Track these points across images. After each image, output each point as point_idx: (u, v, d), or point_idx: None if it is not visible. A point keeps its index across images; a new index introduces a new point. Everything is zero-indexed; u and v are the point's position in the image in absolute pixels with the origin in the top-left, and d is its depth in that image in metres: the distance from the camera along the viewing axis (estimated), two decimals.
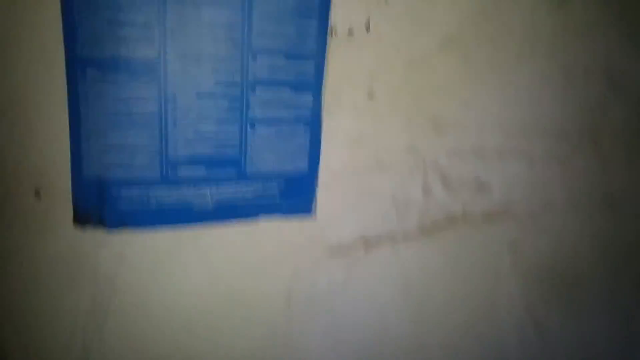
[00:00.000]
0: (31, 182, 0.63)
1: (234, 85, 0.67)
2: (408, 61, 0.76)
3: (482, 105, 0.82)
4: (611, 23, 0.86)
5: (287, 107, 0.71)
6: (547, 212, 0.92)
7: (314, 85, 0.72)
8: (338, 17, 0.70)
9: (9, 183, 0.63)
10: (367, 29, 0.72)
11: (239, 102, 0.68)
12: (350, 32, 0.72)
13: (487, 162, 0.85)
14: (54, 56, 0.60)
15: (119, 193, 0.66)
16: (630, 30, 0.88)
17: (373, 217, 0.82)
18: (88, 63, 0.60)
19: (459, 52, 0.78)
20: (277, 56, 0.69)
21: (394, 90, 0.77)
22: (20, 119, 0.61)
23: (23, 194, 0.63)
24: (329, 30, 0.70)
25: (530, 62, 0.83)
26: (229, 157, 0.70)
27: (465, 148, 0.83)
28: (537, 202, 0.91)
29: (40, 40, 0.59)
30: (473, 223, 0.87)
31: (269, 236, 0.76)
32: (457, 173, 0.84)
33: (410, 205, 0.83)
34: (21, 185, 0.63)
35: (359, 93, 0.75)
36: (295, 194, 0.75)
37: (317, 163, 0.75)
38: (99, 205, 0.66)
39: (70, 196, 0.65)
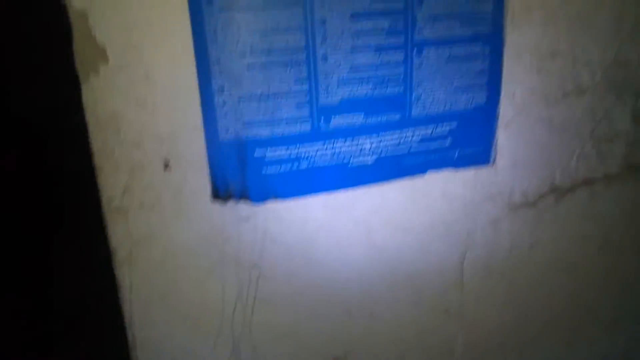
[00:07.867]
0: (158, 151, 0.51)
1: None
2: None
3: None
4: None
5: (461, 21, 0.53)
6: None
7: None
8: None
9: (132, 156, 0.50)
10: None
11: (403, 20, 0.51)
12: None
13: None
14: None
15: (263, 155, 0.52)
16: None
17: (567, 159, 0.63)
18: None
19: None
20: None
21: None
22: (139, 74, 0.48)
23: (150, 167, 0.51)
24: None
25: None
26: (391, 96, 0.54)
27: None
28: None
29: None
30: None
31: (438, 194, 0.61)
32: None
33: (616, 140, 0.64)
34: (147, 156, 0.51)
35: None
36: (471, 139, 0.58)
37: (498, 94, 0.58)
38: (240, 172, 0.52)
39: (205, 165, 0.52)
